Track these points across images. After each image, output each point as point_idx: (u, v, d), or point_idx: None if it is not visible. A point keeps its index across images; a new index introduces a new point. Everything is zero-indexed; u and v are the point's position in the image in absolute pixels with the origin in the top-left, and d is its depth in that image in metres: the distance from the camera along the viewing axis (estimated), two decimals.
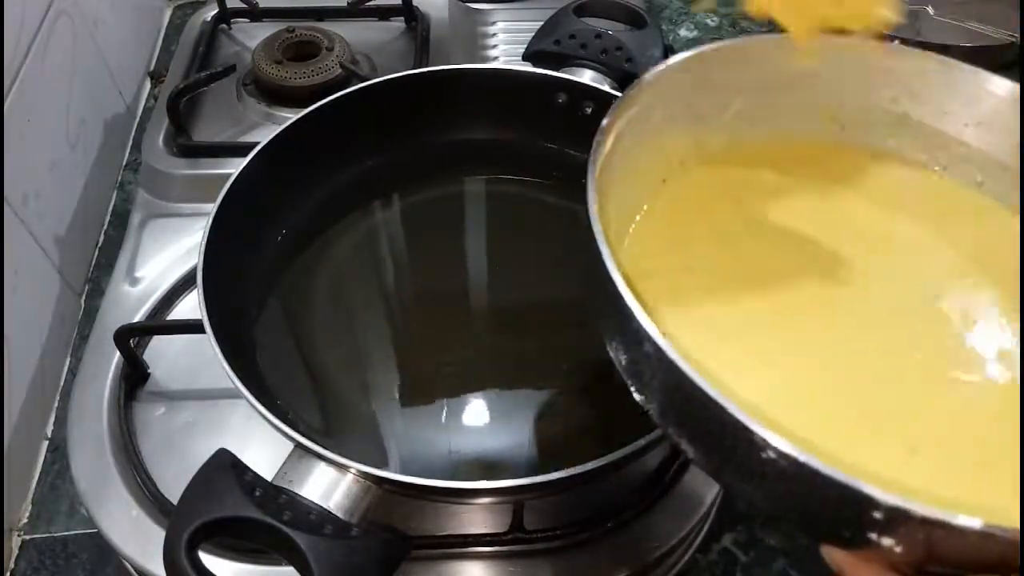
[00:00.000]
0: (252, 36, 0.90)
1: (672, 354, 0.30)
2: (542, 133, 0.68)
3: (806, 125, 0.47)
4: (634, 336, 0.32)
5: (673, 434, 0.34)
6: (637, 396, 0.35)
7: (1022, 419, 0.36)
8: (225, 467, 0.44)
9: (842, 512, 0.28)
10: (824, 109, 0.47)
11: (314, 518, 0.43)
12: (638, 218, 0.43)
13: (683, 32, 1.09)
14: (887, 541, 0.27)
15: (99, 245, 0.84)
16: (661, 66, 0.42)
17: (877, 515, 0.27)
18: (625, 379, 0.36)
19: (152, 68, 1.00)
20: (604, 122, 0.39)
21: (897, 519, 0.26)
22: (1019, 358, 0.38)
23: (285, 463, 0.45)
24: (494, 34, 0.97)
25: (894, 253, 0.44)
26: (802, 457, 0.27)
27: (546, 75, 0.66)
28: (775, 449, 0.28)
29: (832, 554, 0.31)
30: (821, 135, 0.47)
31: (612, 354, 0.36)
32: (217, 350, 0.48)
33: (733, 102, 0.46)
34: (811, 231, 0.43)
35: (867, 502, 0.26)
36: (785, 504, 0.31)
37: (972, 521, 0.25)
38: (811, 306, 0.40)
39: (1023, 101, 0.44)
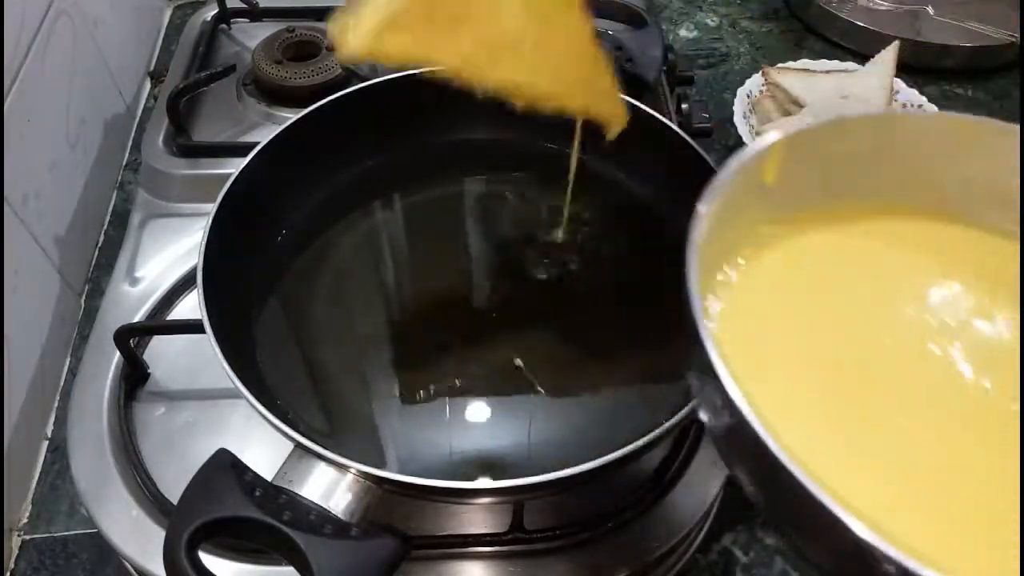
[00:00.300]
0: (252, 36, 0.90)
1: (786, 461, 0.30)
2: (542, 133, 0.68)
3: (901, 197, 0.45)
4: (740, 429, 0.32)
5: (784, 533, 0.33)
6: (736, 477, 0.35)
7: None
8: (225, 467, 0.44)
9: None
10: (920, 182, 0.45)
11: (314, 518, 0.43)
12: (726, 294, 0.42)
13: (683, 32, 1.09)
14: None
15: (99, 245, 0.84)
16: (753, 148, 0.42)
17: None
18: (721, 455, 0.36)
19: (152, 68, 1.00)
20: (701, 207, 0.39)
21: None
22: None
23: (285, 463, 0.45)
24: None
25: (994, 342, 0.41)
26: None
27: None
28: (898, 565, 0.27)
29: None
30: (917, 207, 0.46)
31: (706, 425, 0.36)
32: (217, 350, 0.48)
33: (828, 177, 0.45)
34: (907, 312, 0.42)
35: None
36: None
37: None
38: (910, 396, 0.39)
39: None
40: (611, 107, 0.53)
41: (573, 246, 0.62)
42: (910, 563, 0.27)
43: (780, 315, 0.42)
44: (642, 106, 0.63)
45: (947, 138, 0.44)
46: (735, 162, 0.41)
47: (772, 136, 0.42)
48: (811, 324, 0.42)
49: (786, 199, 0.44)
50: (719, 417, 0.33)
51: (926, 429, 0.38)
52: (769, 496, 0.34)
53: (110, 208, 0.87)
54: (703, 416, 0.36)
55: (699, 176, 0.58)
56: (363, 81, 0.66)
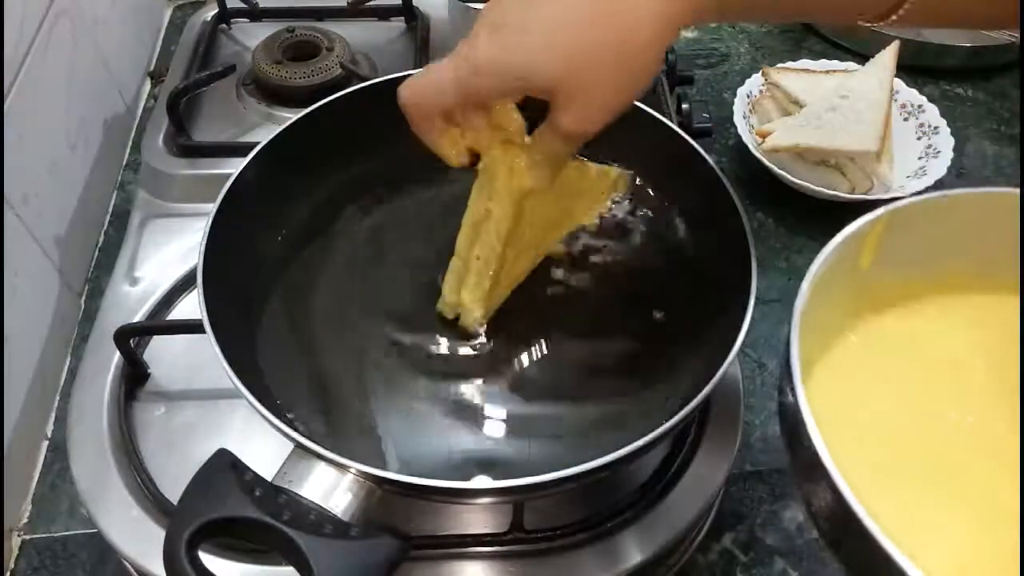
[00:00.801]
0: (252, 36, 0.90)
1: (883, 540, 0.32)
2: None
3: (992, 264, 0.47)
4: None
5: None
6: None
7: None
8: (225, 467, 0.44)
9: None
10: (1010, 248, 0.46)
11: (314, 518, 0.43)
12: (817, 367, 0.45)
13: (683, 32, 1.09)
14: None
15: (99, 245, 0.84)
16: (854, 226, 0.44)
17: None
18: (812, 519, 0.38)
19: (152, 68, 1.00)
20: (804, 284, 0.42)
21: None
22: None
23: (285, 463, 0.45)
24: None
25: None
26: None
27: None
28: None
29: None
30: (1006, 274, 0.47)
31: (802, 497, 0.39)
32: (217, 350, 0.48)
33: (921, 254, 0.46)
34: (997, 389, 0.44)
35: None
36: None
37: None
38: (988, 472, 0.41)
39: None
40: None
41: (574, 246, 0.62)
42: None
43: (864, 393, 0.44)
44: (642, 106, 0.63)
45: None
46: (838, 238, 0.43)
47: (875, 214, 0.44)
48: (893, 402, 0.44)
49: (879, 277, 0.46)
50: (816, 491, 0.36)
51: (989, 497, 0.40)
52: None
53: (110, 208, 0.87)
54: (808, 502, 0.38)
55: (699, 176, 0.58)
56: (363, 81, 0.66)
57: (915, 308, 0.47)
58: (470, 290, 0.55)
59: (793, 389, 0.37)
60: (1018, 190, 0.44)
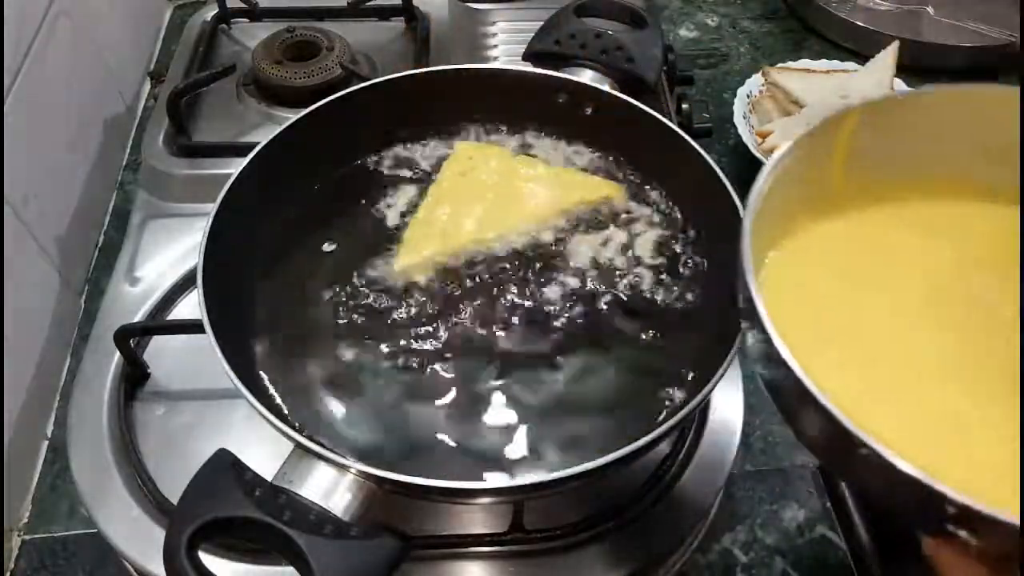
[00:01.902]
0: (252, 36, 0.90)
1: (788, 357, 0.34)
2: (542, 133, 0.68)
3: (967, 168, 0.46)
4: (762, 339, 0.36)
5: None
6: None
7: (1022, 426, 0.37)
8: (225, 467, 0.44)
9: (924, 505, 0.32)
10: (989, 152, 0.46)
11: (314, 518, 0.43)
12: (772, 253, 0.45)
13: (683, 32, 1.09)
14: (963, 533, 0.31)
15: (99, 245, 0.84)
16: (826, 117, 0.43)
17: (951, 509, 0.31)
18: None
19: (152, 68, 1.00)
20: (764, 170, 0.42)
21: (965, 514, 0.31)
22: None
23: (285, 463, 0.45)
24: (494, 34, 0.97)
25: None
26: (892, 459, 0.31)
27: (546, 75, 0.66)
28: (870, 448, 0.32)
29: (926, 541, 0.36)
30: (980, 180, 0.46)
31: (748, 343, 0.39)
32: (217, 350, 0.48)
33: (889, 150, 0.46)
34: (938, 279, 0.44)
35: (940, 498, 0.31)
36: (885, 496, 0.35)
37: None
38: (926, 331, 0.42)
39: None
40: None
41: (575, 245, 0.62)
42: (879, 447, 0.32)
43: (820, 281, 0.44)
44: (642, 106, 0.63)
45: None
46: (808, 129, 0.42)
47: (852, 102, 0.43)
48: (854, 294, 0.44)
49: (847, 174, 0.45)
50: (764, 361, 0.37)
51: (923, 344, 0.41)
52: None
53: (110, 208, 0.87)
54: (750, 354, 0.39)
55: (699, 176, 0.58)
56: (363, 81, 0.66)
57: (886, 212, 0.47)
58: (409, 236, 0.60)
59: (744, 273, 0.38)
60: (1013, 88, 0.43)
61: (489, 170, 0.65)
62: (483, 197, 0.63)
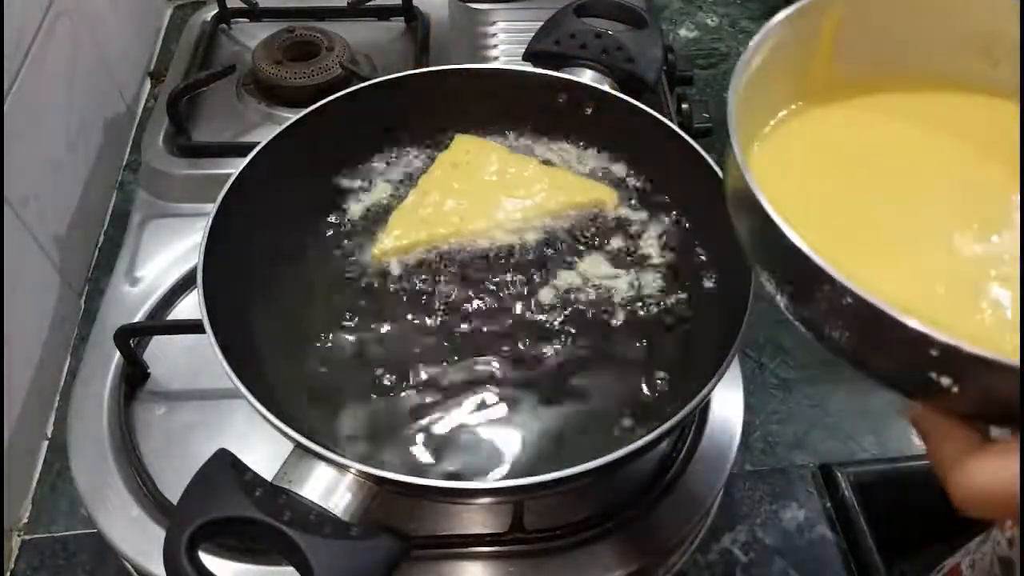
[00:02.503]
0: (252, 36, 0.90)
1: (768, 209, 0.34)
2: (541, 133, 0.68)
3: (955, 60, 0.45)
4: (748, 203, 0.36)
5: (766, 281, 0.38)
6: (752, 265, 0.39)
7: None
8: (225, 467, 0.44)
9: (907, 351, 0.31)
10: (977, 42, 0.44)
11: (314, 518, 0.43)
12: (766, 129, 0.44)
13: (683, 32, 1.09)
14: (945, 380, 0.31)
15: (99, 245, 0.84)
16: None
17: (934, 352, 0.30)
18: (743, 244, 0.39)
19: (152, 68, 1.00)
20: (753, 41, 0.40)
21: (950, 356, 0.30)
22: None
23: (285, 463, 0.45)
24: (494, 34, 0.97)
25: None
26: (876, 302, 0.31)
27: (546, 75, 0.66)
28: (854, 295, 0.31)
29: (912, 412, 0.35)
30: (968, 73, 0.45)
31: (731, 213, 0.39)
32: (217, 350, 0.48)
33: (880, 32, 0.45)
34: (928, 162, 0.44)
35: (924, 340, 0.30)
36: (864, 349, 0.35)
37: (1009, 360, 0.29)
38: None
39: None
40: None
41: (575, 244, 0.62)
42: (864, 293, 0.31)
43: (810, 161, 0.44)
44: (642, 106, 0.63)
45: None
46: (792, 8, 0.41)
47: None
48: (842, 174, 0.43)
49: (837, 57, 0.45)
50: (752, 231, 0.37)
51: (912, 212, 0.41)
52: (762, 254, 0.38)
53: (110, 208, 0.87)
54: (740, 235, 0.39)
55: (699, 176, 0.58)
56: (363, 81, 0.66)
57: (874, 102, 0.46)
58: (392, 222, 0.62)
59: (731, 145, 0.37)
60: None
61: (483, 165, 0.65)
62: (472, 191, 0.63)
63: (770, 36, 0.41)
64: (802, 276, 0.34)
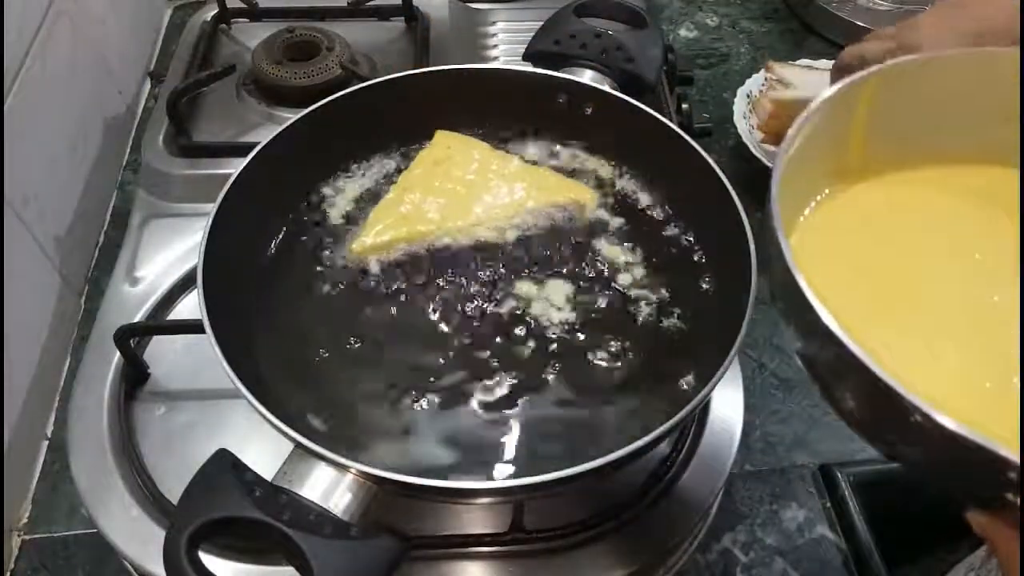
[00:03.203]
0: (252, 36, 0.90)
1: (843, 337, 0.33)
2: (541, 133, 0.68)
3: (985, 133, 0.46)
4: (801, 307, 0.35)
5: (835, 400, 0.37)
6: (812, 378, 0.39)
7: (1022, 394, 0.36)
8: (225, 467, 0.44)
9: (981, 473, 0.31)
10: (1004, 114, 0.45)
11: (314, 518, 0.43)
12: (806, 213, 0.45)
13: (683, 32, 1.09)
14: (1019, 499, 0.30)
15: (99, 245, 0.84)
16: (850, 79, 0.43)
17: (1012, 475, 0.29)
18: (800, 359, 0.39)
19: (152, 68, 1.00)
20: (790, 132, 0.41)
21: None
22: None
23: (285, 463, 0.45)
24: (494, 34, 0.97)
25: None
26: (951, 425, 0.30)
27: (546, 75, 0.66)
28: (926, 416, 0.30)
29: (976, 518, 0.35)
30: (999, 144, 0.46)
31: (779, 316, 0.39)
32: (217, 350, 0.48)
33: (915, 117, 0.46)
34: (961, 245, 0.44)
35: (1004, 464, 0.29)
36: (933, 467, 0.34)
37: None
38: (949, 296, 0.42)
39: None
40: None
41: (576, 244, 0.62)
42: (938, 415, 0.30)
43: (850, 245, 0.44)
44: (642, 106, 0.63)
45: None
46: (828, 92, 0.42)
47: (870, 69, 0.43)
48: (878, 257, 0.44)
49: (869, 139, 0.45)
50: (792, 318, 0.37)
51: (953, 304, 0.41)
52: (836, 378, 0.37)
53: (110, 208, 0.87)
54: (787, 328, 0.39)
55: (699, 176, 0.58)
56: (363, 81, 0.66)
57: (907, 177, 0.47)
58: (372, 218, 0.62)
59: (775, 233, 0.37)
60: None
61: (464, 162, 0.65)
62: (453, 188, 0.63)
63: (808, 122, 0.41)
64: (868, 393, 0.33)
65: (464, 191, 0.63)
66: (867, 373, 0.32)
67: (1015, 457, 0.29)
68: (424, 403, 0.53)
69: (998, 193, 0.46)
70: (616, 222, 0.63)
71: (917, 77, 0.45)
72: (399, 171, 0.66)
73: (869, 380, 0.32)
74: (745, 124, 0.88)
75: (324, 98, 0.62)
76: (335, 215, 0.63)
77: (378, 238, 0.60)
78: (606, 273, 0.60)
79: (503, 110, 0.68)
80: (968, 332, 0.40)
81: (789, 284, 0.35)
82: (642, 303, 0.58)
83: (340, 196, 0.65)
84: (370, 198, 0.64)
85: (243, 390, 0.46)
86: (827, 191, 0.46)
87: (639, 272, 0.60)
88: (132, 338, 0.63)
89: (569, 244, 0.62)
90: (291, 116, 0.61)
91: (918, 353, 0.39)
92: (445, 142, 0.66)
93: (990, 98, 0.45)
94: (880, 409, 0.33)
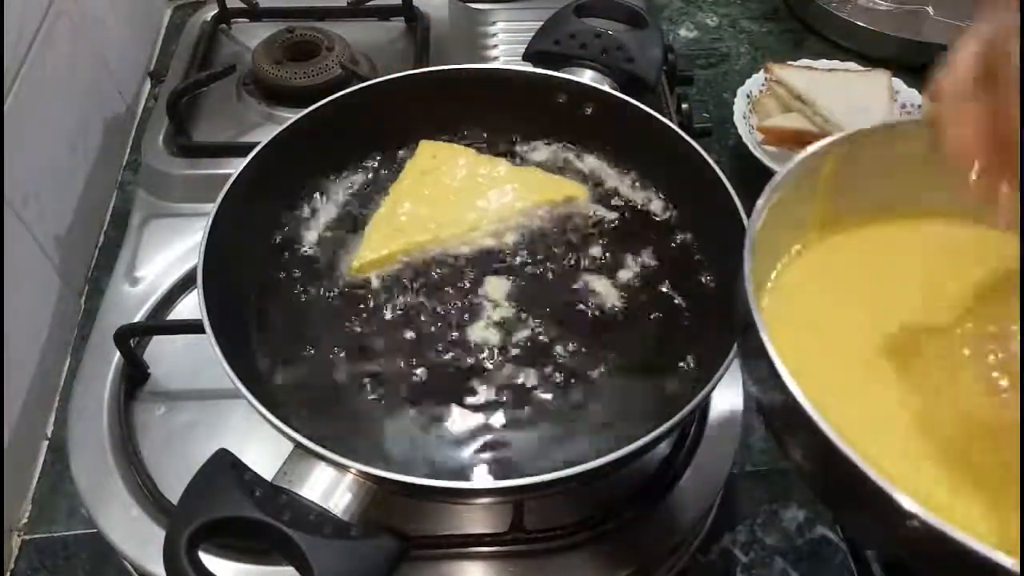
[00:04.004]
0: (252, 36, 0.90)
1: (821, 423, 0.33)
2: (542, 133, 0.68)
3: (943, 198, 0.46)
4: (774, 384, 0.35)
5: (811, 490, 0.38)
6: (783, 452, 0.39)
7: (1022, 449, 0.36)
8: (225, 467, 0.44)
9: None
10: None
11: (314, 518, 0.43)
12: (773, 277, 0.45)
13: (683, 32, 1.09)
14: None
15: (99, 245, 0.84)
16: (814, 148, 0.44)
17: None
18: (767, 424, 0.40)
19: (152, 68, 1.00)
20: (759, 203, 0.42)
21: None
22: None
23: (285, 463, 0.45)
24: (494, 34, 0.97)
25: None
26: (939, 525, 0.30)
27: (546, 75, 0.66)
28: (917, 518, 0.30)
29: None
30: (959, 209, 0.47)
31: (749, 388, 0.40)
32: (217, 350, 0.48)
33: (879, 179, 0.46)
34: (929, 305, 0.44)
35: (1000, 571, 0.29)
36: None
37: None
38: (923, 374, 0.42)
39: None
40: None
41: (578, 244, 0.62)
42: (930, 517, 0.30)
43: (820, 308, 0.45)
44: (642, 106, 0.63)
45: None
46: (795, 161, 0.43)
47: (833, 136, 0.44)
48: (847, 316, 0.44)
49: (836, 200, 0.46)
50: (765, 389, 0.37)
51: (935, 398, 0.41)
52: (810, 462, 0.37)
53: (110, 208, 0.87)
54: (752, 389, 0.40)
55: (699, 176, 0.58)
56: (363, 81, 0.66)
57: (871, 234, 0.47)
58: (369, 233, 0.61)
59: (746, 298, 0.38)
60: None
61: (452, 169, 0.65)
62: (445, 196, 0.63)
63: (775, 192, 0.42)
64: (856, 493, 0.33)
65: (455, 198, 0.63)
66: (825, 440, 0.32)
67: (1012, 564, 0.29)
68: (431, 402, 0.53)
69: (966, 247, 0.46)
70: (616, 221, 0.63)
71: (881, 142, 0.45)
72: (399, 169, 0.66)
73: (822, 441, 0.32)
74: (745, 124, 0.88)
75: (324, 98, 0.62)
76: (335, 215, 0.63)
77: (376, 253, 0.60)
78: (606, 272, 0.60)
79: (503, 110, 0.68)
80: (926, 408, 0.40)
81: (762, 353, 0.36)
82: (642, 302, 0.58)
83: (340, 196, 0.65)
84: (370, 197, 0.64)
85: (243, 390, 0.46)
86: (799, 247, 0.47)
87: (638, 271, 0.60)
88: (132, 338, 0.63)
89: (567, 243, 0.62)
90: (291, 116, 0.61)
91: (880, 429, 0.39)
92: (429, 151, 0.66)
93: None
94: (867, 508, 0.33)
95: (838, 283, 0.46)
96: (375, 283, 0.60)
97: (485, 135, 0.69)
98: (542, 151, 0.68)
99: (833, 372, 0.41)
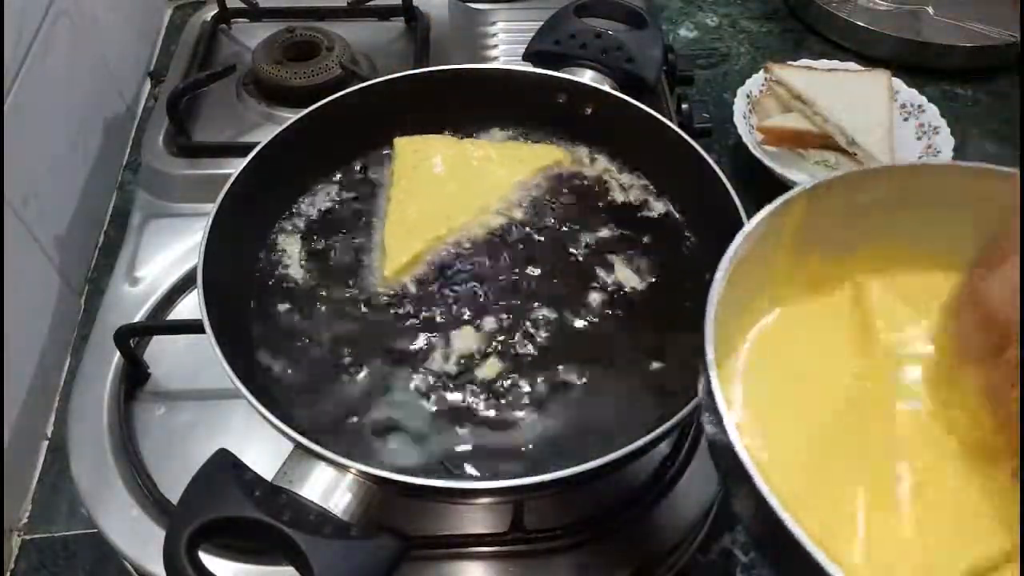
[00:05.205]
0: (252, 36, 0.90)
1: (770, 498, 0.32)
2: (542, 133, 0.68)
3: (913, 247, 0.46)
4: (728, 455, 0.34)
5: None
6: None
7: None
8: (225, 467, 0.44)
9: None
10: (931, 231, 0.45)
11: (314, 518, 0.43)
12: (742, 346, 0.44)
13: (683, 32, 1.09)
14: None
15: (99, 245, 0.84)
16: (771, 207, 0.43)
17: None
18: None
19: (152, 68, 1.00)
20: (717, 275, 0.41)
21: None
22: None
23: (285, 463, 0.45)
24: (494, 34, 0.97)
25: None
26: None
27: (546, 75, 0.66)
28: None
29: None
30: (925, 256, 0.46)
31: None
32: (217, 350, 0.48)
33: (843, 229, 0.45)
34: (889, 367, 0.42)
35: None
36: None
37: None
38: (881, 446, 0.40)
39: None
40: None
41: (579, 246, 0.62)
42: None
43: (782, 377, 0.43)
44: (642, 106, 0.63)
45: (957, 186, 0.44)
46: (756, 219, 0.42)
47: (794, 190, 0.43)
48: (806, 386, 0.43)
49: (802, 255, 0.45)
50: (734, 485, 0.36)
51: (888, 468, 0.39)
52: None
53: (110, 208, 0.87)
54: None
55: (699, 176, 0.58)
56: (363, 81, 0.66)
57: (840, 287, 0.46)
58: (389, 241, 0.61)
59: (709, 380, 0.37)
60: (945, 163, 0.43)
61: (439, 159, 0.65)
62: (444, 187, 0.64)
63: (735, 258, 0.41)
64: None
65: (457, 186, 0.64)
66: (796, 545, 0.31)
67: None
68: (431, 402, 0.53)
69: (927, 298, 0.44)
70: (615, 221, 0.63)
71: (843, 192, 0.44)
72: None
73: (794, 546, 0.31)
74: (745, 124, 0.88)
75: (324, 98, 0.62)
76: (335, 214, 0.63)
77: (404, 257, 0.59)
78: (606, 271, 0.60)
79: (503, 110, 0.68)
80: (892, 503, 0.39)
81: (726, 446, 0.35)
82: (642, 301, 0.58)
83: (340, 195, 0.65)
84: (371, 196, 0.64)
85: (243, 390, 0.46)
86: (777, 311, 0.46)
87: (639, 270, 0.60)
88: (132, 338, 0.63)
89: (573, 208, 0.64)
90: (291, 116, 0.61)
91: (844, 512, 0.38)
92: (410, 147, 0.66)
93: (926, 206, 0.44)
94: None
95: (795, 356, 0.44)
96: (395, 287, 0.59)
97: (483, 134, 0.68)
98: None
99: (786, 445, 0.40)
